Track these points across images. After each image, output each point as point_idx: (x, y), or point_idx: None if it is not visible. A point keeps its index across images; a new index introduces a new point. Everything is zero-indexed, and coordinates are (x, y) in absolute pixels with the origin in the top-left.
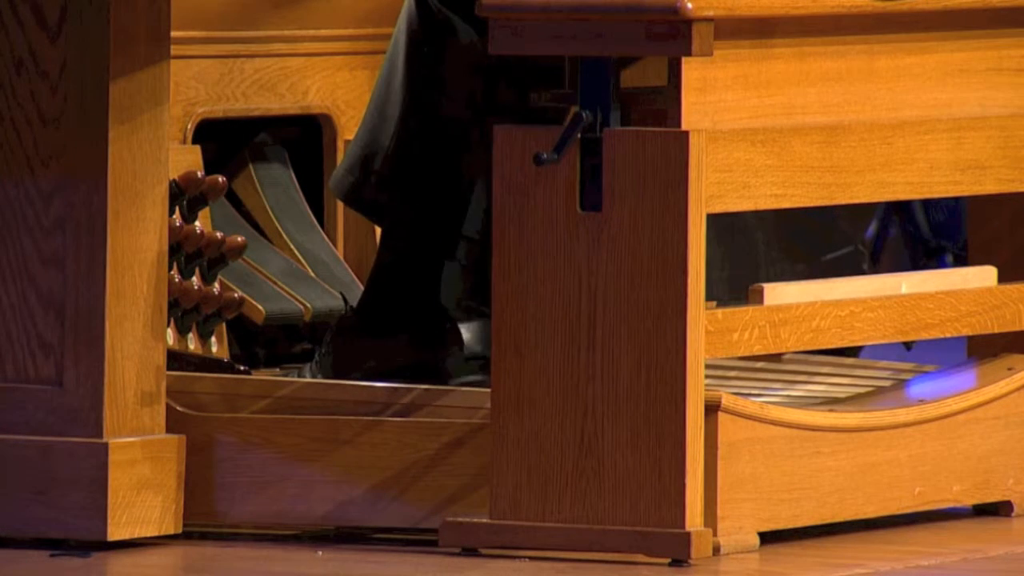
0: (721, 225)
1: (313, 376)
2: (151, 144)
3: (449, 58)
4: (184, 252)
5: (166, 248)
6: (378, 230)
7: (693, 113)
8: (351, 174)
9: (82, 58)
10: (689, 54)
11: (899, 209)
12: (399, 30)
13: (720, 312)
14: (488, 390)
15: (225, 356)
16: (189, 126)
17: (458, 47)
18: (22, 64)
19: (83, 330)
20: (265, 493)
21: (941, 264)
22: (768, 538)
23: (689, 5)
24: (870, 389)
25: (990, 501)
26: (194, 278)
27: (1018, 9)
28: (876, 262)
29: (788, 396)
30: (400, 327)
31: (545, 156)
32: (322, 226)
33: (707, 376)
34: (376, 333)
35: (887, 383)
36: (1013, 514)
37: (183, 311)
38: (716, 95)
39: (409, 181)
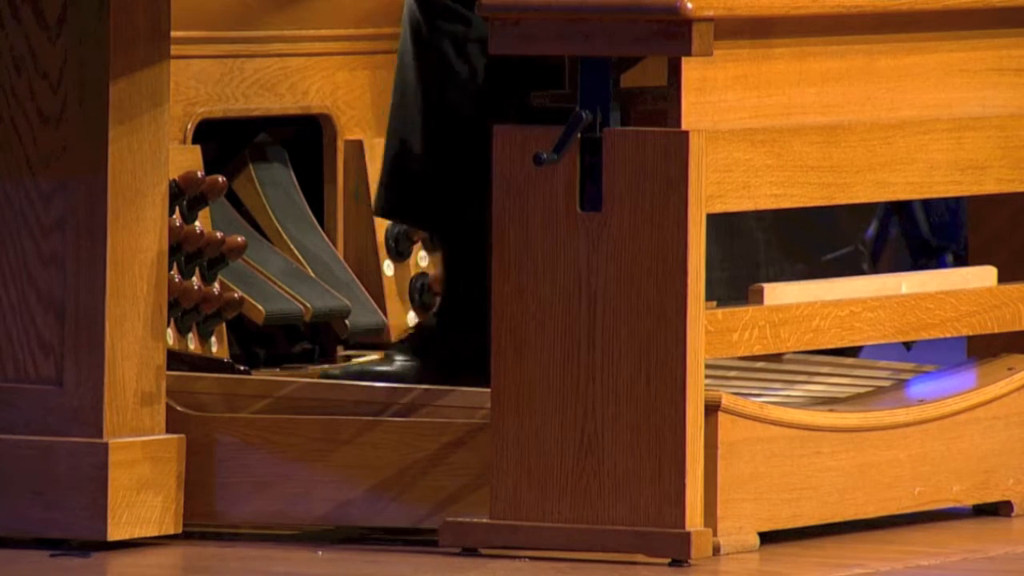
0: (721, 225)
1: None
2: (151, 144)
3: (458, 50)
4: (184, 252)
5: (166, 248)
6: (380, 231)
7: (693, 113)
8: (388, 187)
9: (82, 58)
10: (689, 54)
11: (899, 209)
12: (404, 31)
13: (720, 312)
14: (488, 390)
15: (225, 356)
16: (189, 126)
17: (467, 38)
18: (22, 64)
19: (83, 330)
20: (265, 493)
21: (941, 264)
22: (768, 538)
23: (689, 5)
24: (870, 389)
25: (990, 501)
26: (194, 278)
27: (1018, 9)
28: (876, 262)
29: (788, 396)
30: (478, 325)
31: (545, 156)
32: (322, 226)
33: (707, 376)
34: (461, 337)
35: (887, 383)
36: (1013, 514)
37: (183, 311)
38: (716, 95)
39: (446, 181)
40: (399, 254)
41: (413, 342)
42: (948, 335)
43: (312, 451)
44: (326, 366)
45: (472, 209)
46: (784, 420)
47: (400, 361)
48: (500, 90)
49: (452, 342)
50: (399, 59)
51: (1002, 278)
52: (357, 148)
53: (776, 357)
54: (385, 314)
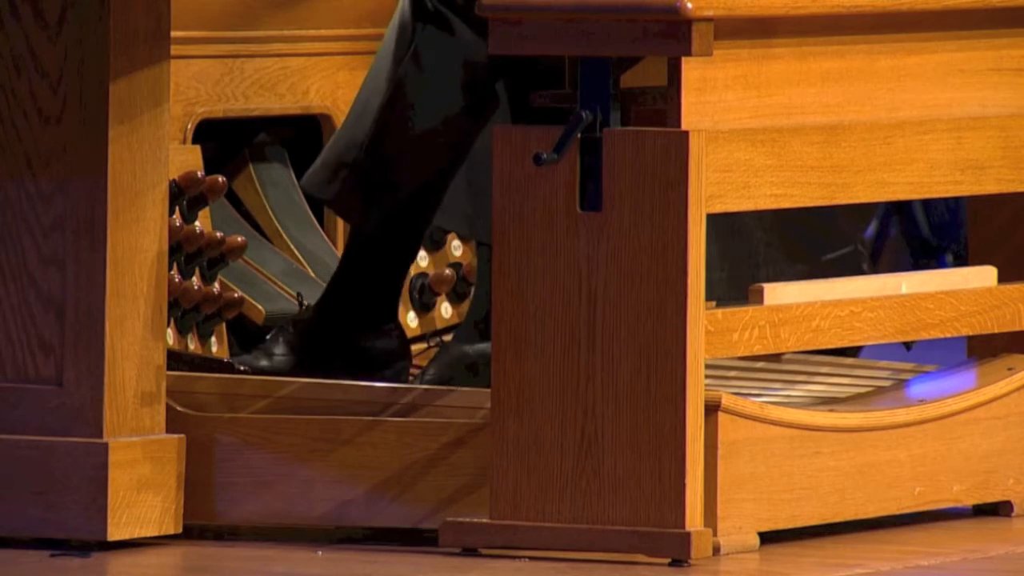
0: (721, 225)
1: (259, 364)
2: (151, 144)
3: (440, 54)
4: (184, 252)
5: (166, 248)
6: None
7: (693, 113)
8: (323, 165)
9: (82, 58)
10: (689, 54)
11: (899, 209)
12: (392, 26)
13: (720, 312)
14: (488, 390)
15: (225, 356)
16: (189, 126)
17: (451, 43)
18: (22, 64)
19: (83, 330)
20: (265, 493)
21: (941, 264)
22: (768, 538)
23: (689, 5)
24: (870, 389)
25: (990, 501)
26: (194, 278)
27: (1018, 9)
28: (876, 262)
29: (788, 396)
30: (355, 334)
31: (545, 156)
32: (322, 226)
33: (707, 376)
34: (337, 333)
35: (887, 383)
36: (1013, 514)
37: (183, 311)
38: (716, 95)
39: (376, 175)
40: None
41: (290, 334)
42: (948, 335)
43: (312, 451)
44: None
45: (389, 209)
46: (784, 420)
47: (278, 355)
48: (475, 104)
49: (324, 338)
50: (380, 49)
51: (1002, 278)
52: None
53: (776, 357)
54: None
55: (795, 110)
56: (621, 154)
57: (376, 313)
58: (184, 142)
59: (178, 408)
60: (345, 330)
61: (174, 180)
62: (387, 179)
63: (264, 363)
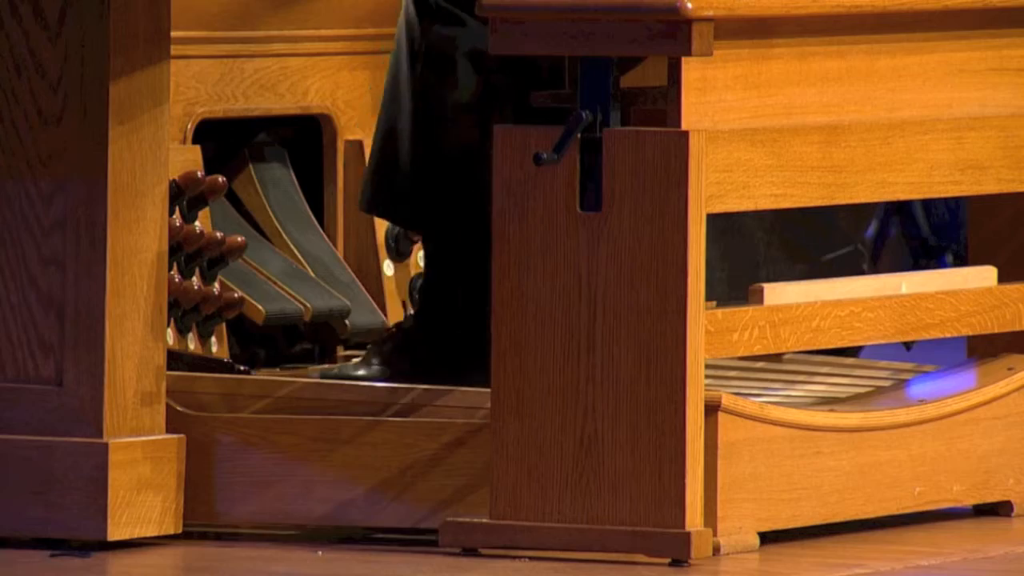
0: (721, 225)
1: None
2: (151, 144)
3: (452, 46)
4: (184, 252)
5: (166, 248)
6: (380, 231)
7: (693, 113)
8: (372, 182)
9: (82, 58)
10: (689, 54)
11: (899, 209)
12: (399, 36)
13: (720, 312)
14: (488, 390)
15: (225, 356)
16: (189, 126)
17: (462, 33)
18: (22, 64)
19: (83, 330)
20: (265, 493)
21: (941, 264)
22: (768, 538)
23: (689, 5)
24: (870, 389)
25: (990, 501)
26: (194, 278)
27: (1018, 9)
28: (876, 262)
29: (788, 396)
30: (454, 339)
31: (545, 156)
32: (322, 226)
33: (707, 376)
34: (434, 344)
35: (887, 383)
36: (1013, 514)
37: (183, 311)
38: (716, 95)
39: (431, 180)
40: (399, 254)
41: (388, 344)
42: (948, 335)
43: (312, 451)
44: (326, 366)
45: (457, 210)
46: (784, 420)
47: (376, 364)
48: (492, 91)
49: (426, 346)
50: (393, 54)
51: (1002, 278)
52: (357, 148)
53: (776, 357)
54: (385, 314)
55: (795, 110)
56: (621, 154)
57: (472, 318)
58: (184, 142)
59: (178, 408)
60: (442, 338)
61: (174, 180)
62: (442, 180)
63: (363, 371)
